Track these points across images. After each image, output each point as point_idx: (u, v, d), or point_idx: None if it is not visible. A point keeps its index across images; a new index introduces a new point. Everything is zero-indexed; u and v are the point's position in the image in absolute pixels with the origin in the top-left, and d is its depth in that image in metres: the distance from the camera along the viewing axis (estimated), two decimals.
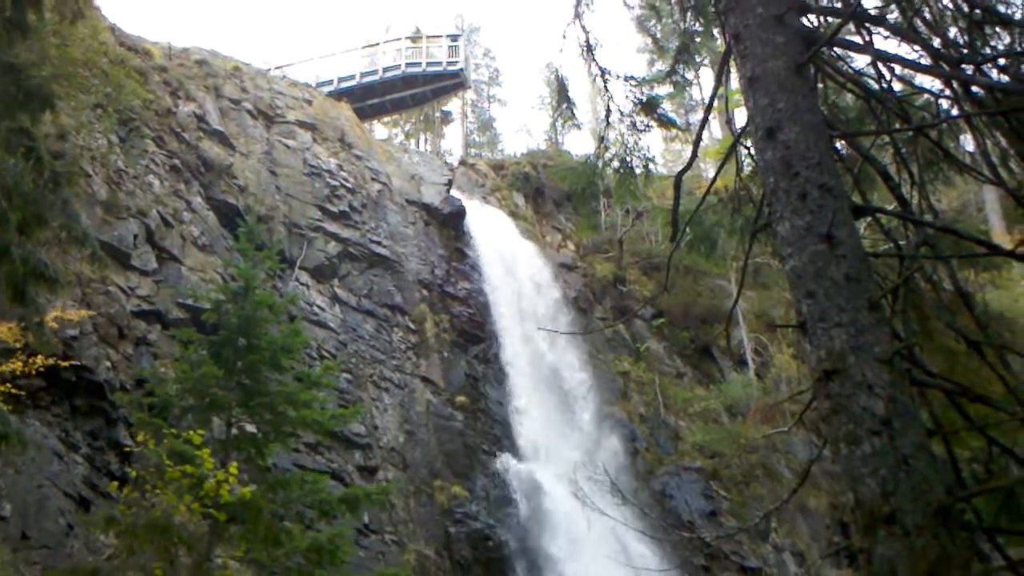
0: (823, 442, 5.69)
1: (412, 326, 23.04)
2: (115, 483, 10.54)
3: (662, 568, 18.16)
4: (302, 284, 21.23)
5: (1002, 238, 20.27)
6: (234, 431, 10.73)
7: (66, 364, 12.21)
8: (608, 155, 10.61)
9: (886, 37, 6.87)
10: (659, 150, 41.43)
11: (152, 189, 18.62)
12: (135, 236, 17.12)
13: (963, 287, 6.59)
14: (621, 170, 10.48)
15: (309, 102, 25.87)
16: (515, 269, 26.53)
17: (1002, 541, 5.94)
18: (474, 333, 23.91)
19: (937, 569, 4.50)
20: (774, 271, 23.33)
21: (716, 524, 19.62)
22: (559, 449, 21.67)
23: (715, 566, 19.20)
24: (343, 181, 24.06)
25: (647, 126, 10.12)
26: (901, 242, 6.84)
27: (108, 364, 14.56)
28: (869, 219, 8.59)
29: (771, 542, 20.42)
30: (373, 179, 25.44)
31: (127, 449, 13.14)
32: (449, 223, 26.52)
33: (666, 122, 9.34)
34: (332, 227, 22.93)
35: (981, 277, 9.15)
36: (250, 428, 11.07)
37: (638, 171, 10.51)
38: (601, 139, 10.59)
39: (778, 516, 20.53)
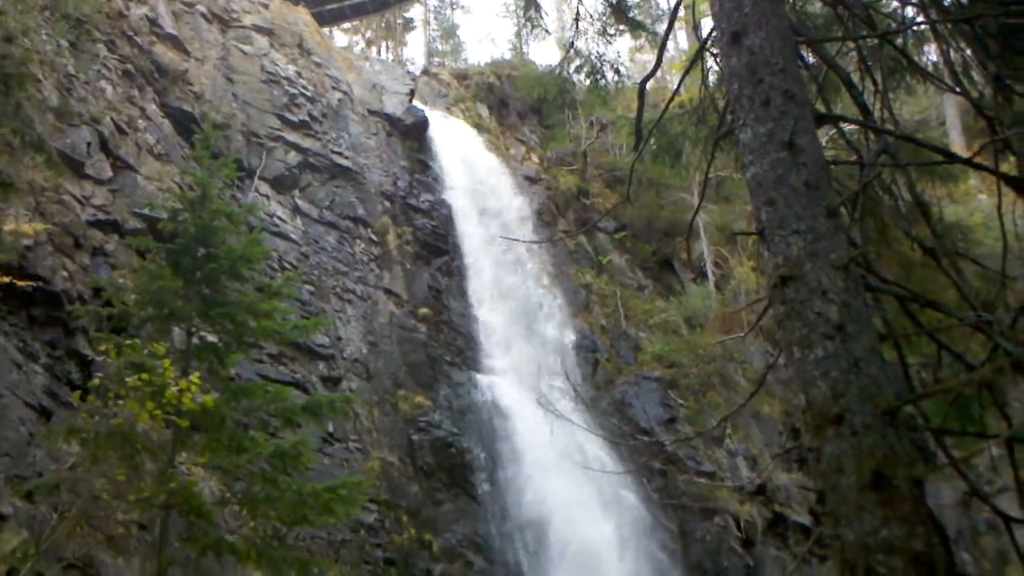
0: (778, 350, 5.81)
1: (375, 238, 22.90)
2: (77, 392, 10.49)
3: (620, 471, 18.72)
4: (262, 195, 20.92)
5: (962, 152, 20.45)
6: (195, 341, 10.68)
7: (22, 283, 12.01)
8: (576, 63, 10.47)
9: None
10: (626, 62, 40.87)
11: (105, 95, 18.04)
12: (88, 144, 16.65)
13: (921, 197, 6.68)
14: (591, 78, 10.35)
15: (266, 5, 25.02)
16: (478, 181, 26.34)
17: (949, 442, 6.17)
18: (437, 245, 23.84)
19: (883, 467, 4.65)
20: (736, 184, 23.42)
21: (674, 431, 20.13)
22: (521, 359, 21.94)
23: (671, 470, 19.77)
24: (302, 89, 23.51)
25: (618, 31, 9.96)
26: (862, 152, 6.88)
27: (65, 274, 14.33)
28: (832, 130, 8.62)
29: (726, 447, 21.04)
30: (333, 88, 24.88)
31: (88, 359, 13.07)
32: (411, 134, 26.14)
33: (637, 26, 9.19)
34: (292, 137, 22.49)
35: (939, 191, 9.27)
36: (211, 338, 11.02)
37: (608, 79, 10.38)
38: (570, 45, 10.41)
39: (733, 422, 21.10)
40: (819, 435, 4.91)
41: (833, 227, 5.40)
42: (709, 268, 26.08)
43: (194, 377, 9.03)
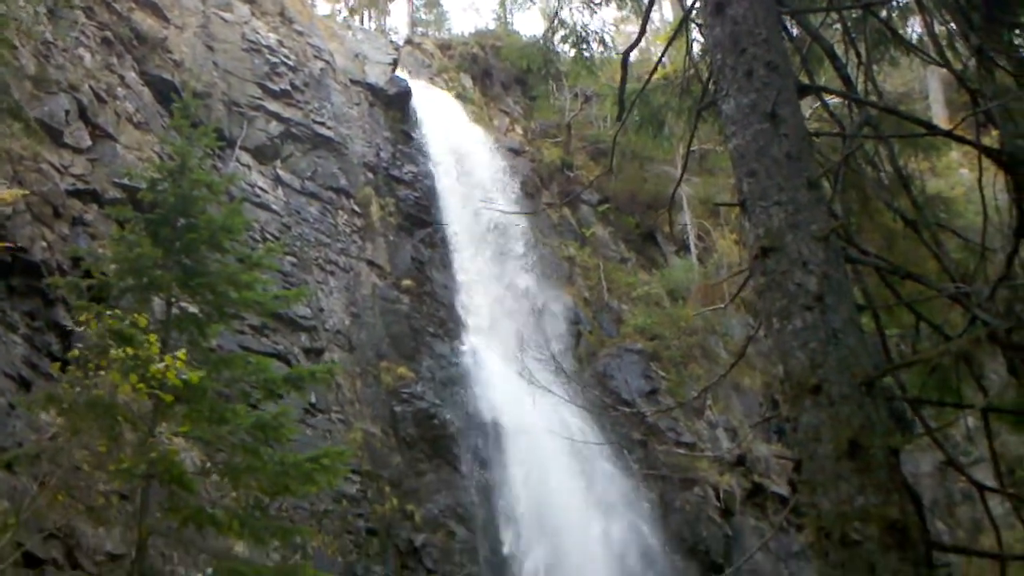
0: (758, 322, 5.84)
1: (357, 209, 22.78)
2: (57, 363, 10.42)
3: (601, 442, 18.86)
4: (243, 165, 20.73)
5: (944, 125, 20.49)
6: (175, 312, 10.61)
7: (1, 251, 11.88)
8: (561, 34, 10.41)
9: None
10: (611, 33, 40.58)
11: (83, 63, 17.76)
12: (67, 112, 16.41)
13: (902, 169, 6.69)
14: (575, 49, 10.30)
15: None
16: (462, 153, 26.19)
17: (926, 412, 6.23)
18: (420, 217, 23.75)
19: (859, 436, 4.70)
20: (720, 156, 23.41)
21: (655, 403, 20.26)
22: (505, 332, 21.96)
23: (652, 441, 19.92)
24: (284, 58, 23.25)
25: (603, 0, 9.90)
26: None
27: (44, 244, 14.17)
28: (816, 103, 8.60)
29: (706, 419, 21.21)
30: (316, 57, 24.61)
31: (67, 329, 12.96)
32: (394, 104, 25.93)
33: None
34: (273, 106, 22.27)
35: (921, 165, 9.31)
36: (191, 309, 10.95)
37: (593, 49, 10.33)
38: (555, 16, 10.35)
39: (713, 394, 21.25)
40: (797, 405, 4.95)
41: (814, 198, 5.41)
42: (692, 241, 26.14)
43: (180, 353, 8.98)
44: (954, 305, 6.37)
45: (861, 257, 5.50)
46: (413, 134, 25.75)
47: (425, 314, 21.89)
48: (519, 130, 30.41)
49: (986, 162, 6.55)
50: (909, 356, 6.14)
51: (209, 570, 10.14)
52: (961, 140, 6.06)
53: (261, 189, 20.72)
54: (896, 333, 6.82)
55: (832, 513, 4.59)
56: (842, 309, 5.09)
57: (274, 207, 20.73)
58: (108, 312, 9.21)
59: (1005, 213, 6.37)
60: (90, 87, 17.44)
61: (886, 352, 5.75)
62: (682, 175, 7.50)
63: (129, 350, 8.43)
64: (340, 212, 22.25)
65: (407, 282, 22.13)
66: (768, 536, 17.14)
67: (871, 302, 5.67)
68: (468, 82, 31.25)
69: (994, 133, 6.45)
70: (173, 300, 10.62)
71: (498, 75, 32.25)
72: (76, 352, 9.49)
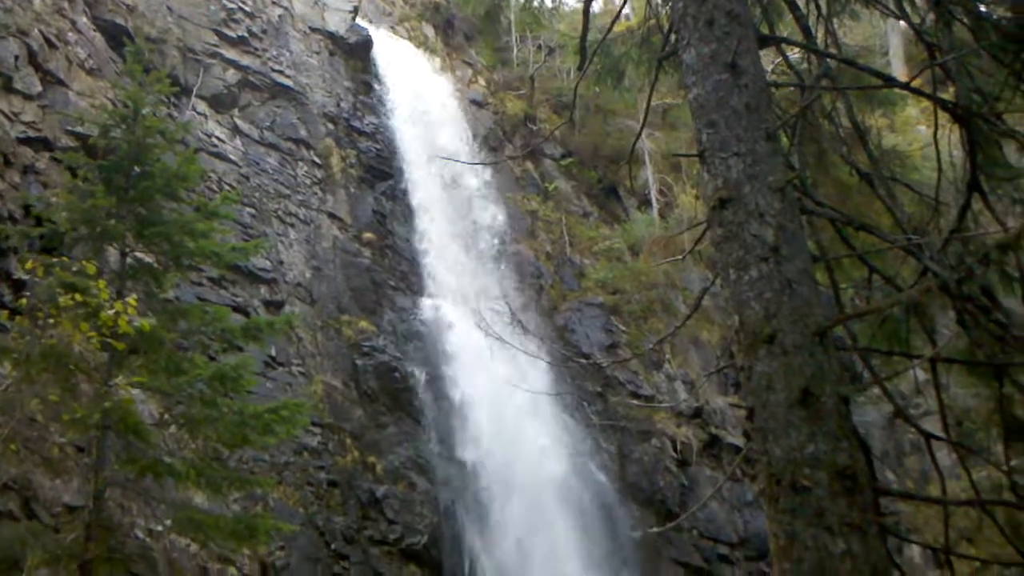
0: (715, 275, 5.88)
1: (317, 161, 22.46)
2: (6, 312, 10.22)
3: (561, 392, 19.07)
4: (199, 114, 20.31)
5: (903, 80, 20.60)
6: (129, 262, 10.43)
7: None
8: None
9: None
10: None
11: (33, 6, 17.16)
12: (16, 57, 15.90)
13: (859, 122, 6.74)
14: None
15: None
16: (424, 104, 25.87)
17: (876, 364, 6.36)
18: (382, 169, 23.48)
19: (811, 385, 4.78)
20: (682, 110, 23.38)
21: (615, 356, 20.45)
22: (466, 285, 21.95)
23: (609, 393, 20.16)
24: (241, 4, 22.67)
25: None
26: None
27: None
28: (777, 59, 8.60)
29: (664, 372, 21.48)
30: (274, 3, 24.02)
31: (20, 280, 12.71)
32: (355, 54, 25.45)
33: None
34: (230, 54, 21.76)
35: (879, 121, 9.37)
36: (147, 259, 10.77)
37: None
38: None
39: (672, 348, 21.49)
40: (751, 354, 5.02)
41: (772, 150, 5.43)
42: (653, 196, 26.20)
43: (131, 300, 8.84)
44: (907, 259, 6.47)
45: (816, 209, 5.56)
46: (374, 84, 25.35)
47: (387, 267, 21.78)
48: (482, 82, 30.08)
49: (943, 118, 6.61)
50: (862, 307, 6.24)
51: (168, 521, 10.12)
52: (917, 92, 6.12)
53: (218, 139, 20.34)
54: (850, 286, 6.92)
55: (783, 460, 4.68)
56: (797, 260, 5.15)
57: (232, 157, 20.37)
58: (56, 261, 9.03)
59: (960, 168, 6.45)
60: (40, 32, 16.88)
61: (839, 303, 5.84)
62: (642, 127, 7.49)
63: (79, 297, 8.28)
64: (300, 163, 21.93)
65: (368, 235, 21.96)
66: (721, 483, 17.53)
67: (825, 253, 5.74)
68: (430, 32, 30.76)
69: (953, 91, 6.51)
70: (128, 250, 10.44)
71: (460, 25, 31.77)
72: (24, 302, 9.32)
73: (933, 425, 6.35)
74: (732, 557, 18.93)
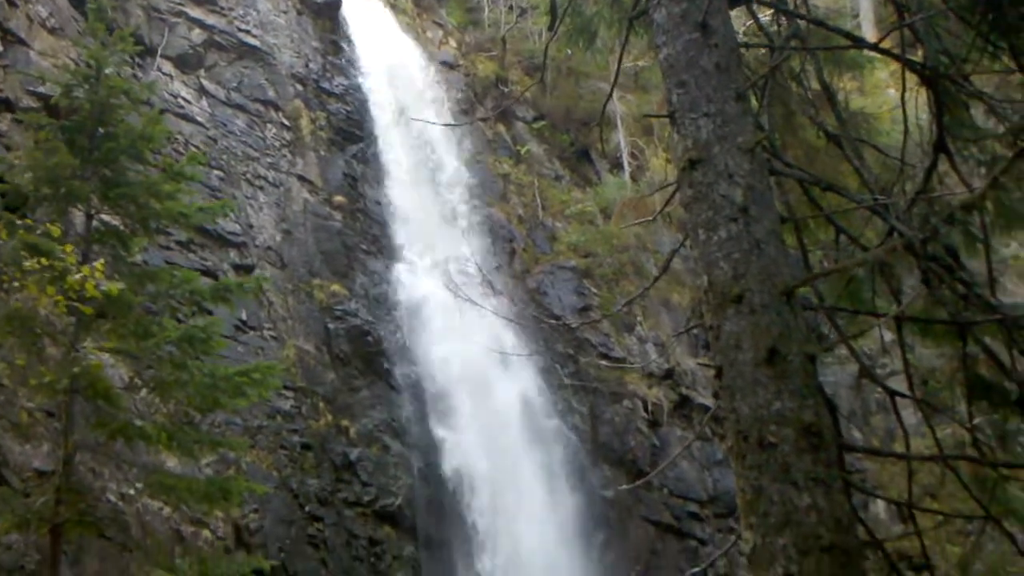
0: (685, 236, 5.91)
1: (286, 123, 22.17)
2: None
3: (532, 353, 19.19)
4: (165, 74, 19.94)
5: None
6: (96, 224, 10.28)
7: None
8: None
9: None
10: None
11: None
12: None
13: (828, 83, 6.76)
14: None
15: None
16: (394, 66, 25.57)
17: (842, 324, 6.44)
18: (352, 131, 23.24)
19: (778, 343, 4.85)
20: (654, 72, 23.30)
21: (586, 318, 20.55)
22: (438, 249, 21.90)
23: (581, 355, 20.30)
24: None
25: None
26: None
27: None
28: (749, 21, 8.57)
29: (636, 334, 21.63)
30: None
31: None
32: (324, 13, 25.03)
33: None
34: (195, 12, 21.34)
35: (848, 84, 9.39)
36: (113, 222, 10.62)
37: None
38: None
39: (644, 310, 21.63)
40: (720, 314, 5.07)
41: (741, 110, 5.45)
42: (625, 159, 26.18)
43: (97, 264, 8.73)
44: (874, 220, 6.54)
45: (784, 170, 5.59)
46: (344, 45, 25.00)
47: (358, 231, 21.64)
48: (453, 43, 29.76)
49: (910, 80, 6.65)
50: (829, 267, 6.31)
51: (140, 484, 10.10)
52: (885, 53, 6.14)
53: (184, 100, 20.01)
54: (818, 248, 6.98)
55: (750, 417, 4.75)
56: (765, 220, 5.19)
57: (198, 119, 20.07)
58: (19, 223, 8.88)
59: (927, 130, 6.50)
60: None
61: (806, 263, 5.90)
62: (613, 87, 7.47)
63: (44, 261, 8.17)
64: (268, 125, 21.65)
65: (339, 198, 21.78)
66: (689, 441, 17.80)
67: (793, 214, 5.78)
68: None
69: (921, 54, 6.53)
70: (93, 212, 10.29)
71: None
72: None
73: (899, 385, 6.46)
74: (702, 515, 19.26)
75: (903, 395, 5.81)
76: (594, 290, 22.22)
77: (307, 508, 16.53)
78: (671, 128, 5.69)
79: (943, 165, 6.15)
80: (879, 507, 17.20)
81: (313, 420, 17.80)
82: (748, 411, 4.76)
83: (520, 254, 23.30)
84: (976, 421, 6.09)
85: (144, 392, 10.64)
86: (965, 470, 5.90)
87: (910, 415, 7.11)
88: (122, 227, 10.60)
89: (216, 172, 19.41)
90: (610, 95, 7.90)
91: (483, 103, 27.72)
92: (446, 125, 23.50)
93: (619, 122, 25.99)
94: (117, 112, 10.44)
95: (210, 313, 11.30)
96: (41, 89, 14.88)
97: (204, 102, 20.49)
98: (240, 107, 21.17)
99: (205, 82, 20.81)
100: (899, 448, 10.64)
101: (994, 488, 5.82)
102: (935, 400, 6.45)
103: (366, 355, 19.21)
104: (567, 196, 25.56)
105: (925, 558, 5.86)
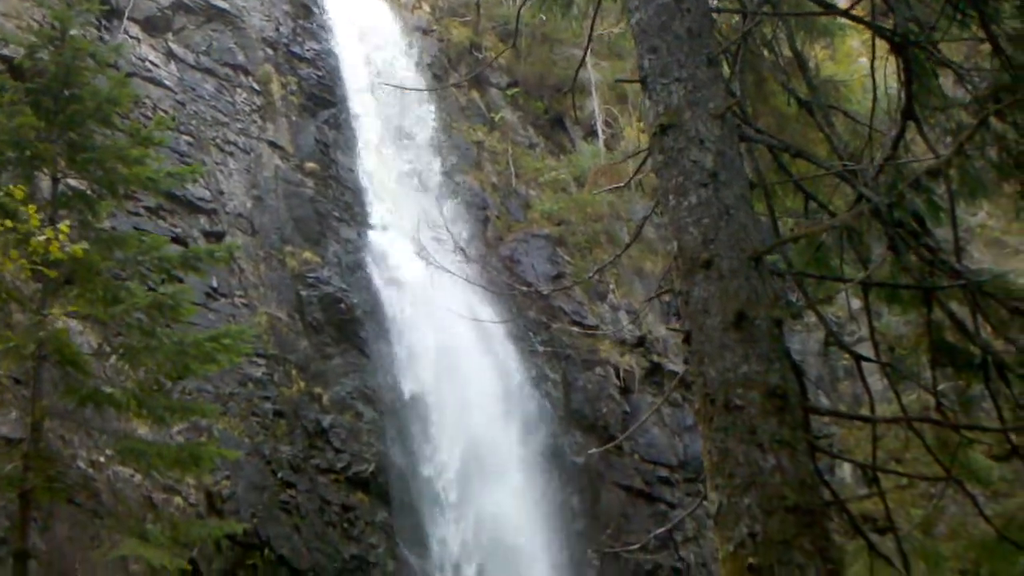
0: (656, 202, 5.93)
1: (257, 87, 21.87)
2: None
3: (505, 320, 19.23)
4: (132, 37, 19.56)
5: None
6: (62, 188, 10.13)
7: None
8: None
9: None
10: None
11: None
12: None
13: (799, 50, 6.77)
14: None
15: None
16: (366, 30, 25.24)
17: (810, 290, 6.51)
18: (323, 97, 22.97)
19: (746, 308, 4.90)
20: (628, 39, 23.20)
21: (560, 286, 20.60)
22: (411, 216, 21.78)
23: (554, 322, 20.37)
24: None
25: None
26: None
27: None
28: None
29: (609, 302, 21.74)
30: None
31: None
32: None
33: None
34: None
35: (820, 53, 9.41)
36: (80, 186, 10.47)
37: None
38: None
39: (616, 278, 21.73)
40: (689, 279, 5.11)
41: (713, 76, 5.45)
42: (599, 126, 26.12)
43: (62, 226, 8.60)
44: (842, 187, 6.59)
45: (755, 135, 5.61)
46: (314, 8, 24.62)
47: (330, 198, 21.48)
48: (426, 8, 29.39)
49: (880, 48, 6.68)
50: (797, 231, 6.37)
51: (110, 451, 10.06)
52: (857, 20, 6.16)
53: (152, 64, 19.66)
54: (787, 215, 7.04)
55: (717, 380, 4.81)
56: (735, 186, 5.22)
57: (167, 83, 19.75)
58: None
59: (896, 98, 6.54)
60: None
61: (776, 229, 5.94)
62: (585, 53, 7.43)
63: (8, 223, 8.04)
64: (238, 90, 21.35)
65: (311, 165, 21.58)
66: (657, 404, 18.00)
67: (763, 180, 5.81)
68: None
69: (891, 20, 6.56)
70: (59, 176, 10.13)
71: None
72: None
73: (867, 351, 6.55)
74: (672, 479, 19.52)
75: (869, 359, 5.89)
76: (567, 258, 22.26)
77: (280, 475, 16.56)
78: (643, 93, 5.69)
79: (911, 133, 6.20)
80: (845, 471, 17.52)
81: (285, 387, 17.77)
82: (716, 375, 4.81)
83: (493, 222, 23.26)
84: (941, 387, 6.20)
85: (114, 359, 10.56)
86: (929, 434, 6.01)
87: (876, 381, 7.23)
88: (89, 192, 10.45)
89: (185, 137, 19.15)
90: (582, 61, 7.87)
91: (457, 69, 27.48)
92: (419, 90, 23.29)
93: (593, 89, 25.90)
94: (83, 74, 10.25)
95: (180, 281, 11.18)
96: (4, 51, 14.55)
97: (172, 66, 20.16)
98: (209, 71, 20.85)
99: (173, 45, 20.46)
100: (865, 413, 10.81)
101: (956, 451, 5.94)
102: (901, 365, 6.55)
103: (339, 323, 19.16)
104: (541, 164, 25.49)
105: (889, 520, 5.97)
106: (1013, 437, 5.89)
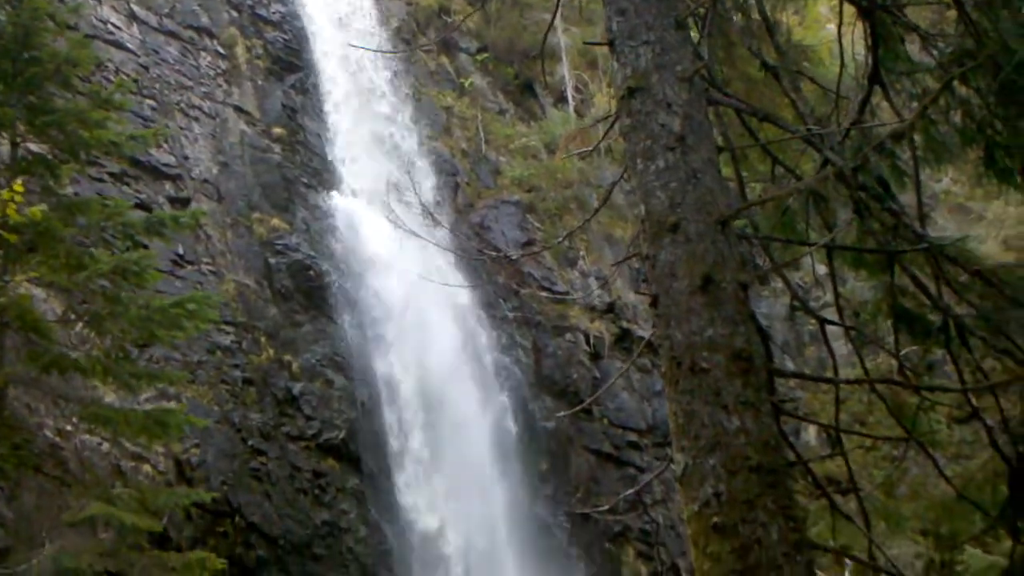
0: (625, 168, 5.92)
1: (221, 51, 21.51)
2: None
3: (475, 285, 19.26)
4: None
5: None
6: (21, 152, 9.92)
7: None
8: None
9: None
10: None
11: None
12: None
13: (768, 14, 6.75)
14: None
15: None
16: None
17: (776, 255, 6.56)
18: (290, 61, 22.64)
19: (712, 272, 4.92)
20: (597, 2, 23.04)
21: (529, 253, 20.62)
22: (380, 182, 21.62)
23: (524, 288, 20.40)
24: None
25: None
26: None
27: None
28: None
29: (579, 268, 21.81)
30: None
31: None
32: None
33: None
34: None
35: (792, 19, 9.40)
36: (40, 150, 10.26)
37: None
38: None
39: (586, 245, 21.77)
40: (656, 243, 5.11)
41: (681, 39, 5.43)
42: (570, 93, 26.01)
43: (16, 185, 8.42)
44: (810, 153, 6.61)
45: (723, 99, 5.61)
46: None
47: (298, 164, 21.26)
48: None
49: (848, 13, 6.68)
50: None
51: (76, 419, 9.97)
52: None
53: (114, 26, 19.24)
54: (754, 180, 7.06)
55: (683, 344, 4.84)
56: (702, 150, 5.22)
57: (129, 46, 19.36)
58: None
59: (863, 63, 6.56)
60: None
61: (742, 192, 5.96)
62: (554, 16, 7.37)
63: None
64: (203, 53, 20.98)
65: (278, 130, 21.32)
66: (625, 368, 18.15)
67: (730, 144, 5.82)
68: None
69: None
70: (19, 140, 9.92)
71: None
72: None
73: (832, 317, 6.62)
74: (641, 443, 19.74)
75: (833, 323, 5.96)
76: (537, 225, 22.26)
77: (250, 442, 16.53)
78: (611, 56, 5.65)
79: (878, 98, 6.22)
80: (810, 435, 17.82)
81: (255, 355, 17.68)
82: (682, 338, 4.84)
83: (463, 188, 23.17)
84: (904, 351, 6.29)
85: (79, 327, 10.44)
86: (891, 398, 6.11)
87: (841, 346, 7.33)
88: (50, 156, 10.25)
89: (148, 102, 18.83)
90: (551, 25, 7.81)
91: (425, 33, 27.17)
92: (387, 53, 23.03)
93: (564, 55, 25.75)
94: (41, 36, 10.02)
95: (145, 247, 11.03)
96: None
97: (135, 28, 19.75)
98: (172, 34, 20.46)
99: (135, 7, 20.03)
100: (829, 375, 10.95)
101: (917, 412, 6.04)
102: (865, 330, 6.63)
103: (308, 290, 19.06)
104: (511, 130, 25.37)
105: (851, 480, 6.08)
106: (973, 399, 6.00)
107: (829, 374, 6.74)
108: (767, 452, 4.50)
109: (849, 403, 13.36)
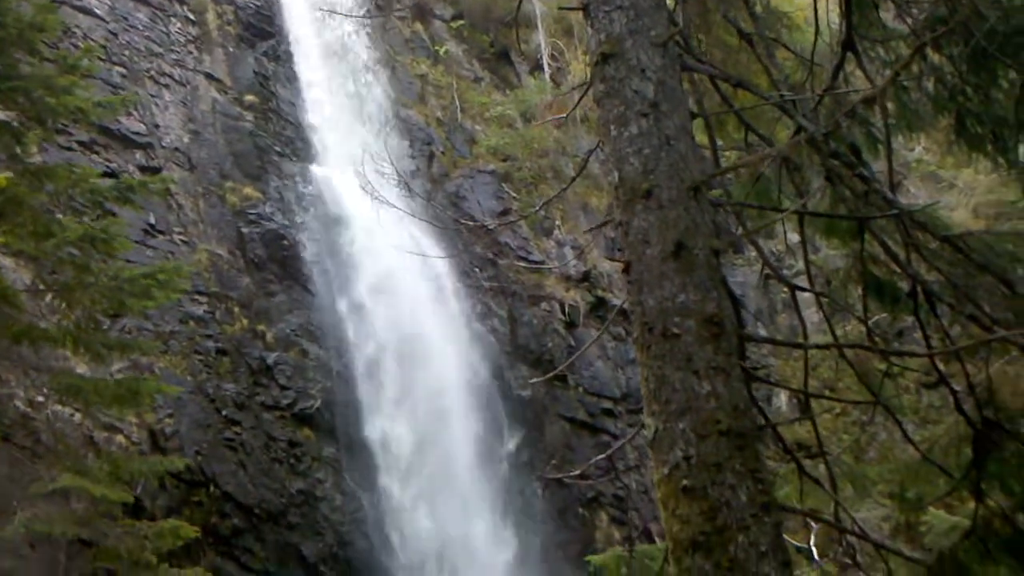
0: (599, 135, 5.90)
1: (192, 17, 21.17)
2: None
3: (450, 255, 19.23)
4: None
5: None
6: None
7: None
8: None
9: None
10: None
11: None
12: None
13: None
14: None
15: None
16: None
17: (749, 222, 6.59)
18: (262, 28, 22.33)
19: (685, 238, 4.93)
20: None
21: (506, 222, 20.57)
22: (354, 151, 21.42)
23: (500, 258, 20.39)
24: None
25: None
26: None
27: None
28: None
29: (554, 238, 21.80)
30: None
31: None
32: None
33: None
34: None
35: None
36: (5, 117, 10.07)
37: None
38: None
39: (562, 214, 21.76)
40: (629, 209, 5.12)
41: (655, 4, 5.39)
42: (545, 61, 25.85)
43: None
44: (784, 120, 6.62)
45: (697, 65, 5.59)
46: None
47: (271, 132, 21.04)
48: None
49: None
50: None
51: (47, 389, 9.88)
52: None
53: None
54: (728, 147, 7.06)
55: (655, 309, 4.86)
56: (676, 116, 5.21)
57: (97, 12, 19.00)
58: None
59: (837, 31, 6.56)
60: None
61: (716, 160, 5.97)
62: None
63: None
64: (172, 20, 20.63)
65: (250, 98, 21.06)
66: (598, 335, 18.23)
67: (704, 110, 5.81)
68: None
69: None
70: None
71: None
72: None
73: (803, 284, 6.67)
74: (615, 411, 19.88)
75: (804, 289, 6.01)
76: (513, 194, 22.20)
77: (224, 412, 16.49)
78: (585, 22, 5.61)
79: (851, 65, 6.23)
80: (781, 400, 18.04)
81: (228, 325, 17.59)
82: (654, 303, 4.86)
83: (439, 157, 23.03)
84: (874, 318, 6.35)
85: (49, 297, 10.32)
86: (859, 363, 6.18)
87: (813, 314, 7.39)
88: (16, 123, 10.07)
89: (117, 69, 18.53)
90: None
91: None
92: (361, 18, 22.74)
93: (539, 22, 25.55)
94: (5, 0, 9.78)
95: (114, 215, 10.89)
96: None
97: None
98: (142, 0, 20.10)
99: None
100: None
101: (883, 377, 6.12)
102: (835, 296, 6.68)
103: (282, 259, 18.95)
104: (487, 99, 25.20)
105: (819, 444, 6.15)
106: (940, 364, 6.08)
107: (800, 340, 6.79)
108: (737, 416, 4.55)
109: (820, 370, 13.53)
